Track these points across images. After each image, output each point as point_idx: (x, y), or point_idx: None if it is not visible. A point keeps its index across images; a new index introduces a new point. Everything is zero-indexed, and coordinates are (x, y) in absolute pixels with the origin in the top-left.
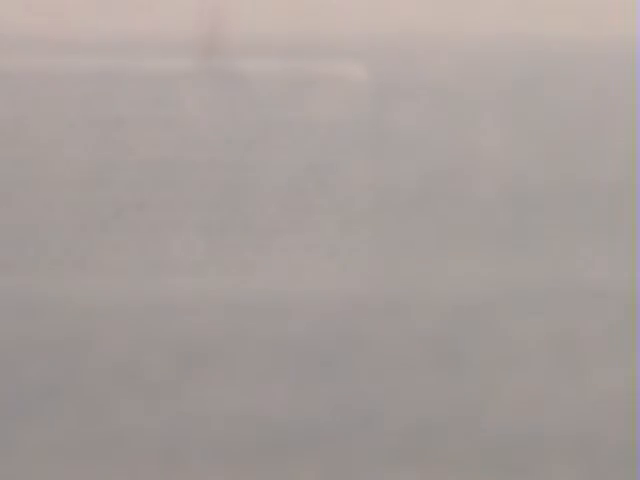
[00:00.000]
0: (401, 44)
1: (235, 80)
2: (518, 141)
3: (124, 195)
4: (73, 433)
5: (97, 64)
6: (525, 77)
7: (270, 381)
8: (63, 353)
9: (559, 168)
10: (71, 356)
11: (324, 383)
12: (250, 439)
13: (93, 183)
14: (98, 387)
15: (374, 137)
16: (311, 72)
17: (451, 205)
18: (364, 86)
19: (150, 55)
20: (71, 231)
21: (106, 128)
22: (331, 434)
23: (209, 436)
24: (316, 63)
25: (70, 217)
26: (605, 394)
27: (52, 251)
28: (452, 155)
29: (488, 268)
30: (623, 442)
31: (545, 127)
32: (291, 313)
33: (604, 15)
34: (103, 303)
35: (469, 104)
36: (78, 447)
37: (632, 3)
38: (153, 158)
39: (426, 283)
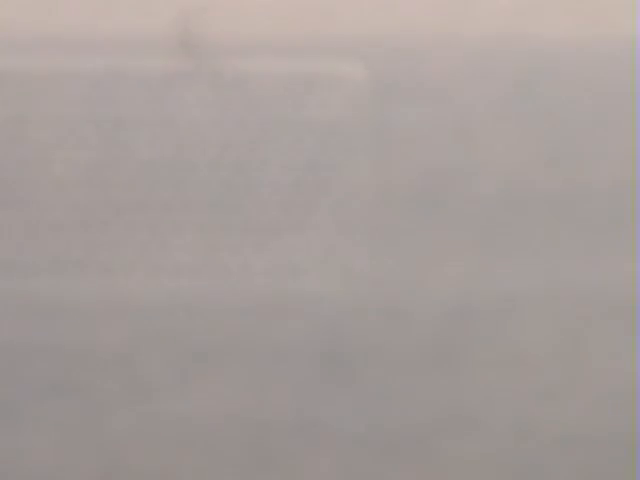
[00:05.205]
0: (401, 44)
1: (235, 80)
2: (518, 140)
3: (124, 195)
4: (73, 431)
5: (97, 64)
6: (525, 77)
7: (270, 381)
8: (63, 352)
9: (559, 167)
10: (71, 355)
11: (324, 383)
12: (249, 439)
13: (93, 183)
14: (98, 386)
15: (374, 137)
16: (311, 72)
17: (451, 204)
18: (364, 86)
19: (150, 55)
20: (71, 231)
21: (106, 128)
22: (331, 434)
23: (209, 435)
24: (316, 63)
25: (70, 217)
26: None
27: (52, 251)
28: (452, 154)
29: (487, 268)
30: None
31: (545, 126)
32: (291, 313)
33: (604, 15)
34: (103, 303)
35: (469, 104)
36: (78, 445)
37: (632, 3)
38: (153, 158)
39: (426, 283)
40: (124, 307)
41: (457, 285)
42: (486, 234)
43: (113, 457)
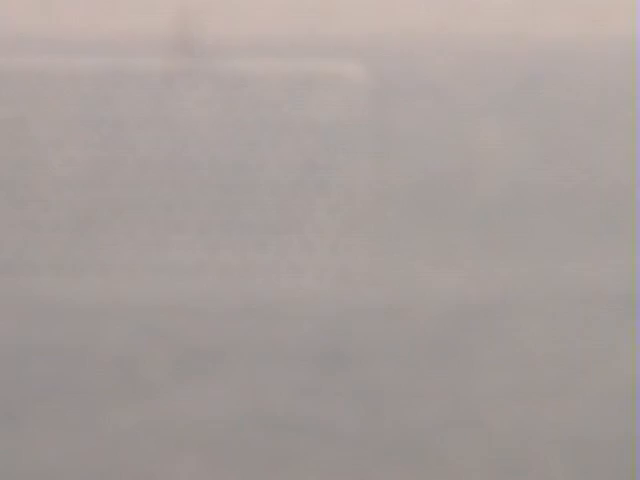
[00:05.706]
0: (401, 44)
1: (235, 80)
2: (518, 141)
3: (124, 195)
4: (73, 431)
5: (97, 64)
6: (525, 77)
7: (270, 381)
8: (63, 352)
9: (559, 167)
10: (71, 355)
11: (324, 383)
12: (249, 439)
13: (93, 183)
14: (98, 386)
15: (374, 137)
16: (311, 72)
17: (451, 204)
18: (364, 86)
19: (149, 55)
20: (71, 231)
21: (106, 128)
22: (331, 434)
23: (209, 435)
24: (316, 63)
25: (70, 217)
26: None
27: (52, 251)
28: (452, 155)
29: (487, 268)
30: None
31: (545, 127)
32: (291, 313)
33: (604, 15)
34: (103, 303)
35: (469, 104)
36: (78, 445)
37: (632, 3)
38: (153, 158)
39: (426, 283)
40: (124, 307)
41: (457, 285)
42: (486, 234)
43: (113, 457)
